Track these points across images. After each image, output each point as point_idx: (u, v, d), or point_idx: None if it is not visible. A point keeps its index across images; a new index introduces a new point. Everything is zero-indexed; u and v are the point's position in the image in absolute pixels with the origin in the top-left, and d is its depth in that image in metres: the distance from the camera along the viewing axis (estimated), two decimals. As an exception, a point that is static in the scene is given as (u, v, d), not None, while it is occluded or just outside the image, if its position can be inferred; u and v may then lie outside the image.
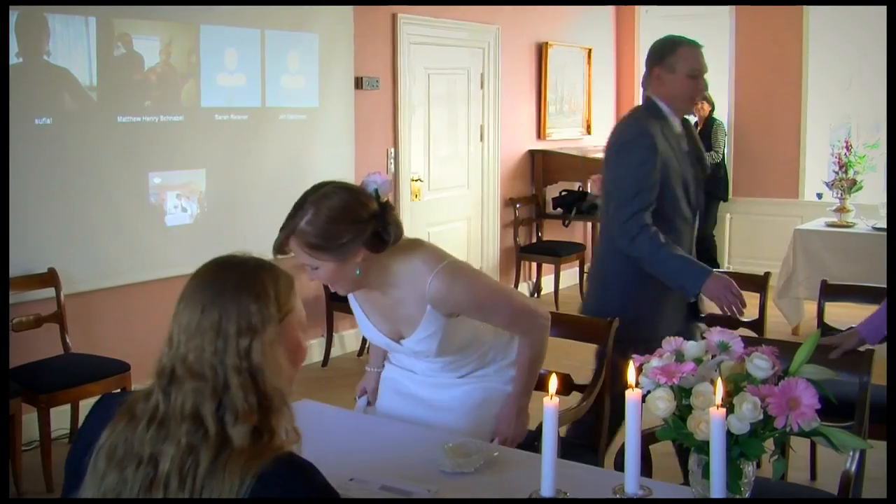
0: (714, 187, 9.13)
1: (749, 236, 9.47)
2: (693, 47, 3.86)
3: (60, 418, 4.87)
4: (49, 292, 4.99)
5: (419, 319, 2.75)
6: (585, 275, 9.03)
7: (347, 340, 6.98)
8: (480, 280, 2.88)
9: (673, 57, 3.83)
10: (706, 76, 3.92)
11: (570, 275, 8.97)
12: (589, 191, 8.77)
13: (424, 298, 2.70)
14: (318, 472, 1.68)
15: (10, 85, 4.79)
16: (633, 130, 3.82)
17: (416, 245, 2.78)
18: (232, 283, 1.74)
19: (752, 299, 4.81)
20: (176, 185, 5.77)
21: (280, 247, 2.63)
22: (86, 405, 5.08)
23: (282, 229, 2.63)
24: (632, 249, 3.71)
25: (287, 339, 1.79)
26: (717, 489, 1.79)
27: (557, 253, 8.50)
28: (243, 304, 1.71)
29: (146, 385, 1.76)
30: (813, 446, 4.31)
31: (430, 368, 2.98)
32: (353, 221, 2.57)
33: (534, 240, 9.00)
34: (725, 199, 9.30)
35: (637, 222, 3.67)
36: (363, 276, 2.67)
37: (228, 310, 1.70)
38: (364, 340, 6.74)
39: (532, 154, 8.96)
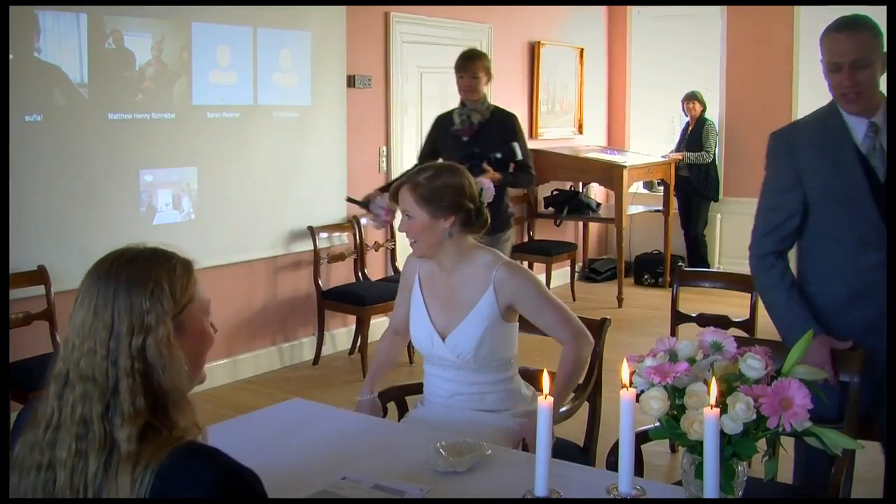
0: (705, 187, 9.16)
1: (740, 236, 9.37)
2: (834, 33, 3.03)
3: (50, 416, 4.85)
4: (39, 290, 4.97)
5: (476, 301, 3.06)
6: (577, 274, 9.06)
7: (339, 339, 6.97)
8: (538, 279, 3.22)
9: (822, 47, 3.11)
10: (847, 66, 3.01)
11: (562, 274, 8.98)
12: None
13: (489, 281, 3.06)
14: (222, 455, 1.62)
15: None
16: (775, 140, 3.25)
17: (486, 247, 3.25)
18: (124, 280, 1.69)
19: (743, 299, 4.84)
20: (167, 182, 5.75)
21: (396, 189, 3.11)
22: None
23: (403, 177, 3.15)
24: (753, 272, 3.29)
25: (190, 328, 1.76)
26: (711, 489, 1.79)
27: (549, 252, 8.51)
28: (136, 301, 1.67)
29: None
30: (803, 446, 4.31)
31: (460, 399, 3.12)
32: (458, 195, 3.05)
33: (525, 239, 9.00)
34: (716, 199, 9.32)
35: (761, 247, 3.24)
36: (444, 246, 3.08)
37: (120, 309, 1.66)
38: (356, 338, 6.73)
39: (524, 153, 8.95)
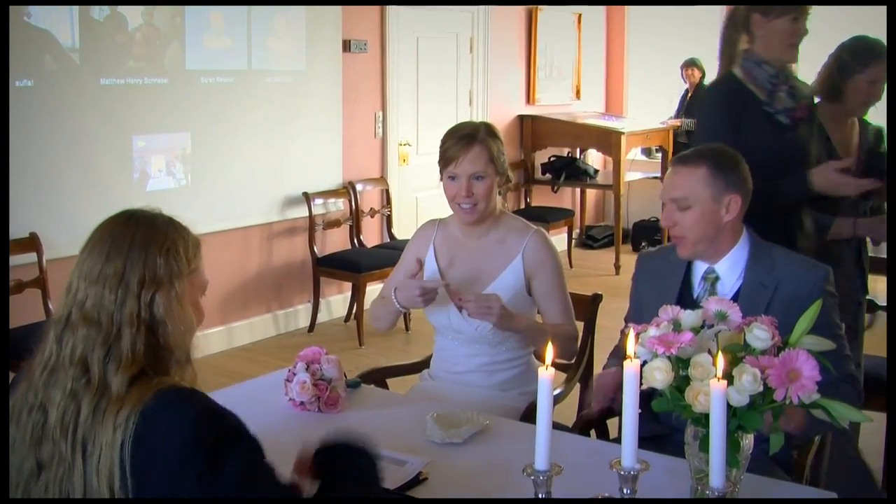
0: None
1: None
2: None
3: (44, 384, 4.81)
4: (31, 257, 4.92)
5: (502, 269, 2.98)
6: (574, 241, 9.02)
7: (334, 306, 6.93)
8: (562, 262, 3.11)
9: None
10: None
11: (559, 241, 8.92)
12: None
13: (519, 249, 2.99)
14: (204, 396, 1.67)
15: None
16: None
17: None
18: (140, 235, 1.72)
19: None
20: (160, 148, 5.68)
21: (468, 144, 2.92)
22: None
23: (469, 138, 2.93)
24: None
25: (188, 298, 1.78)
26: (717, 463, 1.75)
27: (546, 219, 8.44)
28: (150, 256, 1.70)
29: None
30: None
31: (471, 376, 3.03)
32: (503, 152, 3.01)
33: (522, 205, 8.94)
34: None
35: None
36: (493, 204, 3.00)
37: (134, 261, 1.69)
38: (352, 305, 6.69)
39: (521, 119, 8.89)
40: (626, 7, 9.97)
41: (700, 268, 2.68)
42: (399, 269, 3.20)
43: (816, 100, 3.64)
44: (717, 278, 2.65)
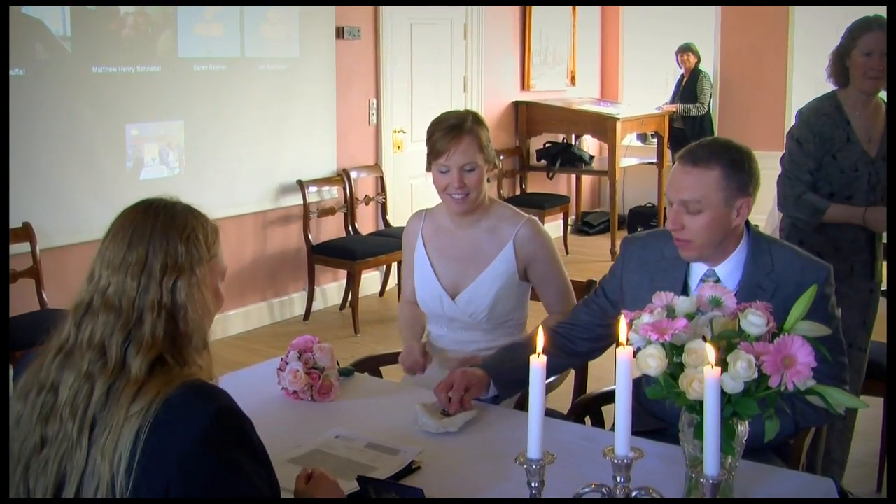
0: (699, 139, 9.07)
1: (734, 189, 9.40)
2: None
3: (38, 374, 4.79)
4: (24, 247, 4.90)
5: (493, 257, 2.97)
6: (570, 227, 9.01)
7: (329, 294, 6.91)
8: (555, 246, 3.10)
9: None
10: None
11: (555, 227, 8.91)
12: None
13: (510, 237, 2.97)
14: (226, 395, 1.68)
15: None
16: None
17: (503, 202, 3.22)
18: (161, 223, 1.73)
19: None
20: (154, 137, 5.66)
21: (457, 135, 2.90)
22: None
23: (457, 129, 2.91)
24: None
25: (208, 284, 1.80)
26: (711, 451, 1.73)
27: (541, 205, 8.42)
28: (172, 243, 1.72)
29: None
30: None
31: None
32: (490, 141, 3.04)
33: (517, 192, 8.92)
34: (710, 152, 9.24)
35: None
36: (483, 193, 3.00)
37: (156, 248, 1.71)
38: (347, 293, 6.68)
39: (516, 105, 8.86)
40: (621, -8, 9.95)
41: (699, 269, 2.54)
42: (406, 268, 3.20)
43: (834, 89, 3.72)
44: (716, 281, 2.48)
